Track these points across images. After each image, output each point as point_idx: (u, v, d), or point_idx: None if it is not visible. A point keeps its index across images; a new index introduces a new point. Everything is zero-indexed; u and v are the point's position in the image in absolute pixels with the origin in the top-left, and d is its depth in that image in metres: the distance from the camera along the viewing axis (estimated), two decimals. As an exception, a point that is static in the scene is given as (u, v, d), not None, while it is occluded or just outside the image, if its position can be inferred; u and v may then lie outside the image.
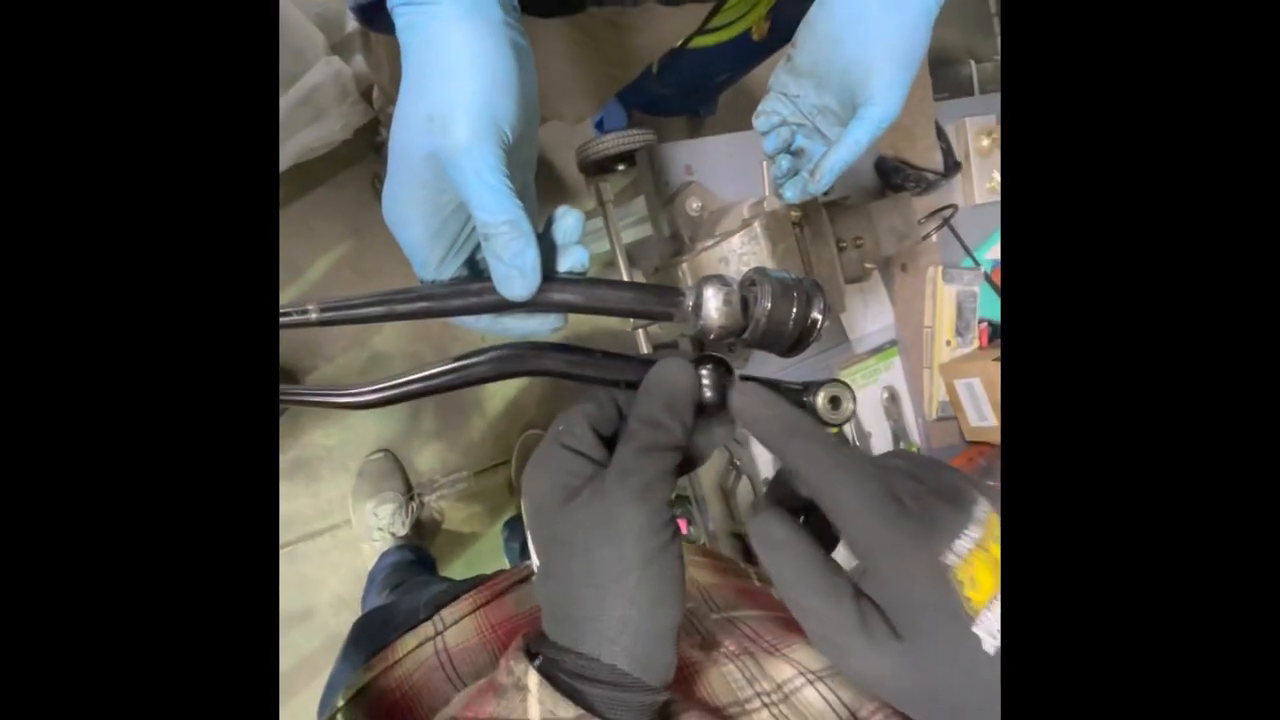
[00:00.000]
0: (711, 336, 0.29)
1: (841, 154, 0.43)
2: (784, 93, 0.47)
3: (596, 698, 0.25)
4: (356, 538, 1.15)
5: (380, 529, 1.11)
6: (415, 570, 1.04)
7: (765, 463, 0.96)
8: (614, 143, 0.80)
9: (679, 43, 0.80)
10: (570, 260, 0.30)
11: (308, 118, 1.05)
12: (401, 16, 0.26)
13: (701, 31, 0.86)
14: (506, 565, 1.13)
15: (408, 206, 0.27)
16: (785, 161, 0.49)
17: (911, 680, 0.23)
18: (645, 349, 0.76)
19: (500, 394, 1.27)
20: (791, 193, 0.48)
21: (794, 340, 0.30)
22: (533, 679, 0.25)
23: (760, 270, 0.30)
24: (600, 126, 1.30)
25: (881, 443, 1.05)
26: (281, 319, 0.27)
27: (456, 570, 1.21)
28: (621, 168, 0.84)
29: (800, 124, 0.48)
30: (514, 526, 1.20)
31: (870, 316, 0.94)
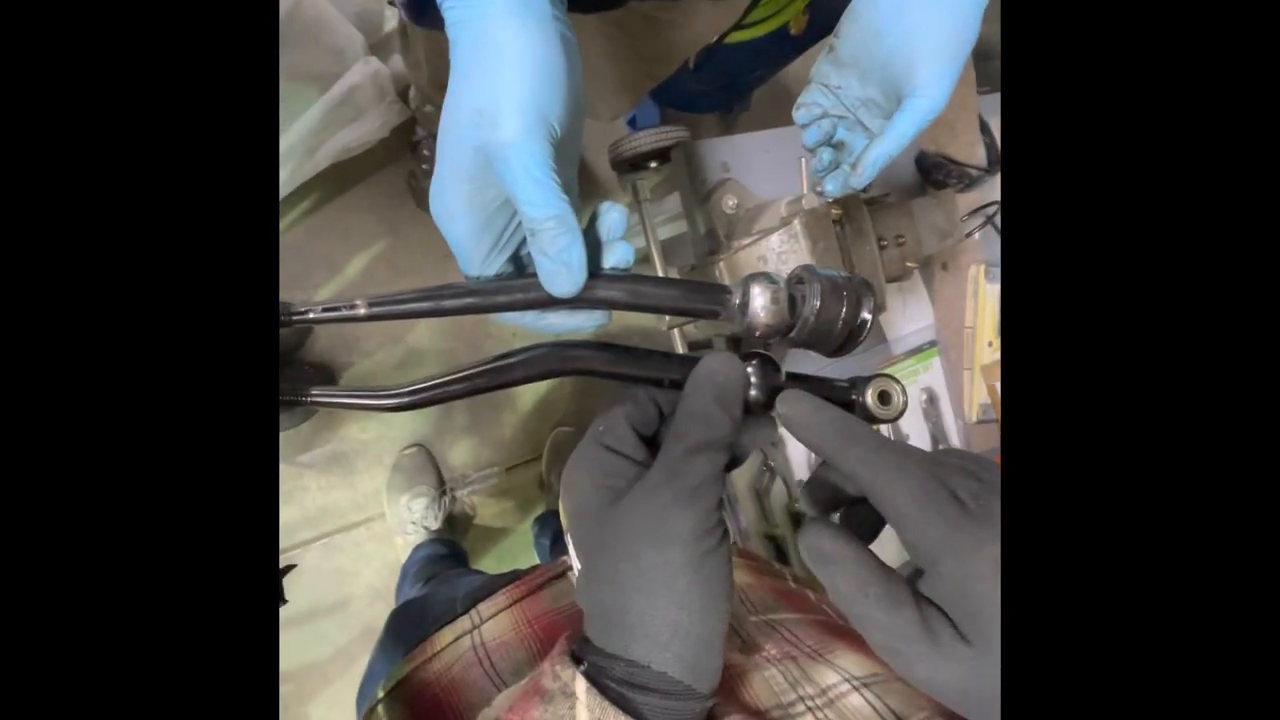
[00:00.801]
0: (757, 334, 0.29)
1: (886, 146, 0.42)
2: (825, 84, 0.46)
3: (646, 705, 0.24)
4: (390, 530, 1.17)
5: (414, 522, 1.12)
6: (448, 563, 1.05)
7: (799, 464, 0.95)
8: (648, 140, 0.79)
9: (715, 38, 0.79)
10: (615, 257, 0.29)
11: (346, 117, 1.07)
12: (451, 11, 0.26)
13: (738, 27, 0.85)
14: (537, 560, 1.14)
15: (454, 200, 0.27)
16: (826, 154, 0.48)
17: (981, 687, 0.22)
18: (681, 348, 0.75)
19: (532, 390, 1.28)
20: (833, 186, 0.47)
21: (842, 340, 0.30)
22: (580, 685, 0.24)
23: (809, 268, 0.29)
24: (633, 124, 1.30)
25: (919, 445, 1.02)
26: (331, 313, 0.27)
27: (488, 565, 1.22)
28: (654, 165, 0.84)
29: (842, 116, 0.47)
30: (544, 522, 1.21)
31: (909, 316, 0.92)
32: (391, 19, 1.10)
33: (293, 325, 0.27)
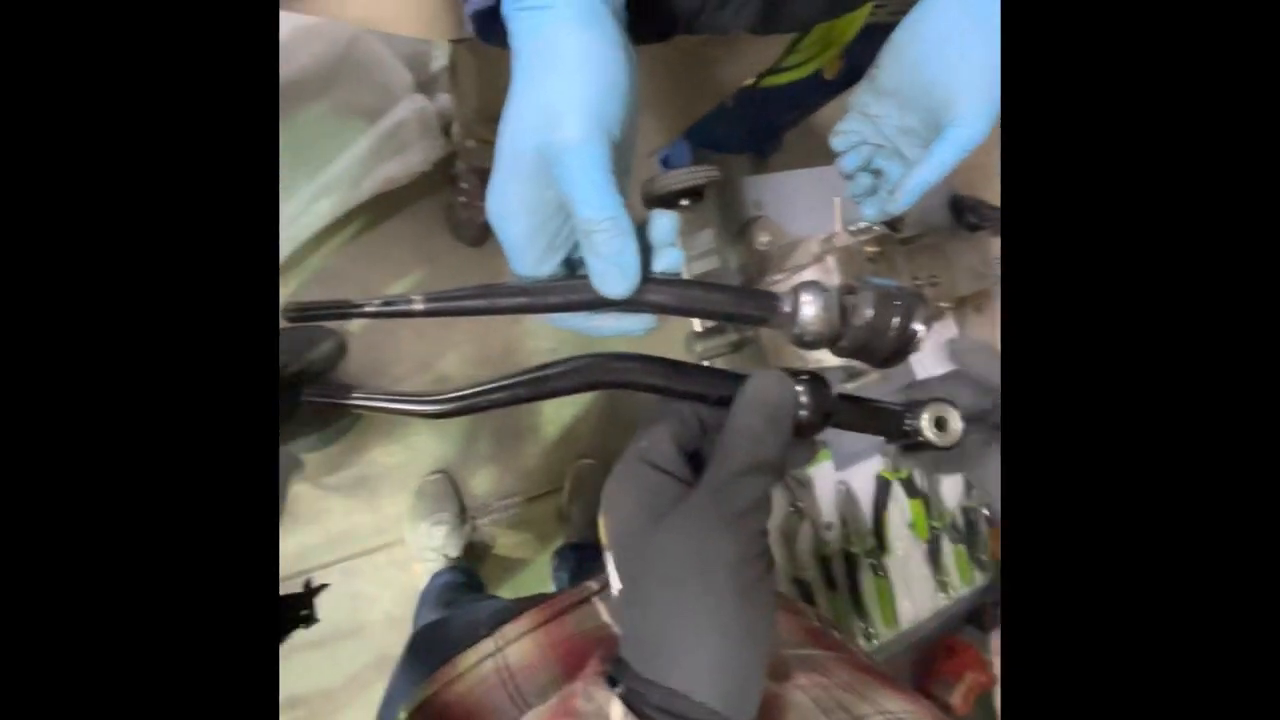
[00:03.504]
0: (806, 340, 0.29)
1: (925, 174, 0.42)
2: (865, 112, 0.47)
3: None
4: (410, 556, 1.16)
5: (434, 549, 1.11)
6: (466, 591, 1.04)
7: (828, 506, 0.93)
8: (682, 178, 0.81)
9: (754, 79, 0.81)
10: (665, 261, 0.30)
11: (392, 150, 1.11)
12: (517, 20, 0.27)
13: (773, 71, 0.87)
14: (555, 595, 1.11)
15: (512, 201, 0.28)
16: (865, 180, 0.48)
17: None
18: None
19: (555, 420, 1.28)
20: (871, 211, 0.48)
21: (891, 351, 0.29)
22: (616, 710, 0.23)
23: (859, 278, 0.29)
24: (666, 163, 1.33)
25: (949, 488, 1.00)
26: (389, 309, 0.28)
27: (504, 595, 1.20)
28: (686, 203, 0.85)
29: (879, 145, 0.48)
30: (563, 555, 1.19)
31: (940, 357, 0.91)
32: (440, 58, 1.15)
33: (352, 318, 0.28)
